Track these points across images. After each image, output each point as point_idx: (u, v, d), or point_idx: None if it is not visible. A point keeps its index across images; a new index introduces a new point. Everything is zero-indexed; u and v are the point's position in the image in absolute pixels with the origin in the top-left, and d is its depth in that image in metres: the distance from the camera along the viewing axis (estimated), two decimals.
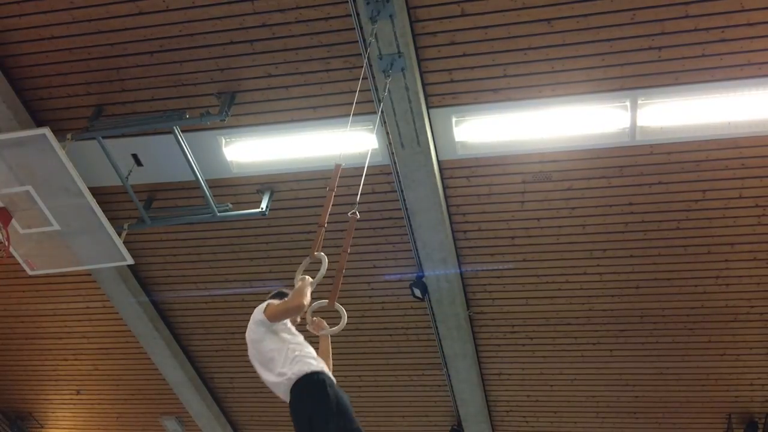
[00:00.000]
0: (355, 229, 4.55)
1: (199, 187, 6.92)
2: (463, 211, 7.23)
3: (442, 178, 6.93)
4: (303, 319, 4.27)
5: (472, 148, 6.68)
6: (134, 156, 7.05)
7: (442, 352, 8.49)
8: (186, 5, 5.96)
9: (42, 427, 10.99)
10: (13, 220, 6.54)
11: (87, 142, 6.68)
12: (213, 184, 7.10)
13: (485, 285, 7.93)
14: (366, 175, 5.04)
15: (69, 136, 6.48)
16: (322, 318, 4.39)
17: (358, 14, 5.70)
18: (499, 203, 7.11)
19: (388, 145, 6.60)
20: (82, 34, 6.28)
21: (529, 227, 7.25)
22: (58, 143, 6.13)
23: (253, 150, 6.97)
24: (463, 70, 6.11)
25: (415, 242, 7.38)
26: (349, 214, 4.45)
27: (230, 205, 7.23)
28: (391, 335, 8.62)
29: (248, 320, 4.25)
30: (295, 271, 4.18)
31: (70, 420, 10.87)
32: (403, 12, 5.66)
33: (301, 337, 4.13)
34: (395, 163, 6.74)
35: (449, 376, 8.78)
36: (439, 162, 6.77)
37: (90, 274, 8.36)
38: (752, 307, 7.62)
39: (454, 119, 6.46)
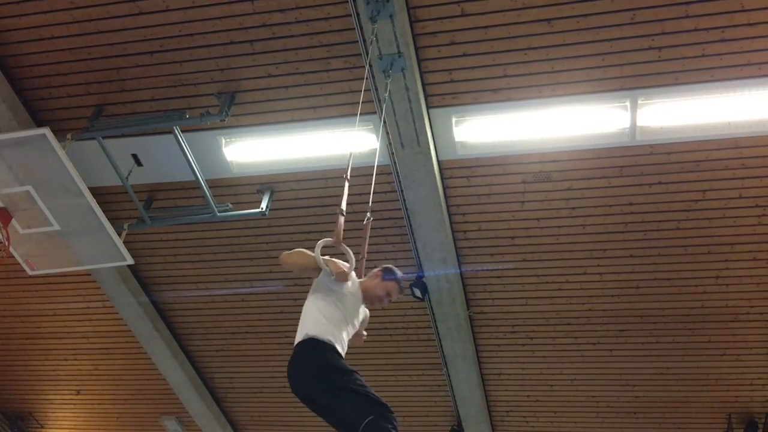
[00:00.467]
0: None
1: (199, 187, 6.92)
2: (463, 211, 7.23)
3: (442, 178, 6.93)
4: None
5: (472, 148, 6.67)
6: (134, 156, 7.05)
7: (442, 352, 8.49)
8: (186, 5, 5.96)
9: (42, 427, 10.99)
10: (13, 220, 6.54)
11: (87, 142, 6.68)
12: (213, 184, 7.10)
13: (485, 285, 7.93)
14: (366, 175, 5.05)
15: (69, 136, 6.48)
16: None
17: (358, 14, 5.69)
18: (499, 203, 7.11)
19: (388, 145, 6.60)
20: (82, 34, 6.28)
21: (529, 227, 7.25)
22: (58, 143, 6.12)
23: (253, 150, 6.97)
24: (463, 70, 6.11)
25: (415, 242, 7.38)
26: (364, 222, 4.41)
27: (230, 205, 7.23)
28: (391, 335, 8.62)
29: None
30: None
31: (70, 420, 10.87)
32: (403, 12, 5.66)
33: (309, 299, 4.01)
34: (395, 163, 6.74)
35: (449, 376, 8.78)
36: (439, 162, 6.77)
37: (90, 274, 8.36)
38: (752, 307, 7.62)
39: (454, 119, 6.46)
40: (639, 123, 6.24)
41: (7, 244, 6.52)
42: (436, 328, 8.24)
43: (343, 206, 4.14)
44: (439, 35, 5.91)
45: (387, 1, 5.50)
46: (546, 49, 5.89)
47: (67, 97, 6.78)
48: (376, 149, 6.53)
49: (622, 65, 5.92)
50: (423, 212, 7.05)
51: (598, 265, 7.48)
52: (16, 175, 6.31)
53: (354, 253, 4.06)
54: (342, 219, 4.08)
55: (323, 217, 7.38)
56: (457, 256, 7.56)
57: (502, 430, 9.65)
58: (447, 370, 8.72)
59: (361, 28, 5.74)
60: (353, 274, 4.08)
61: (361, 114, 6.26)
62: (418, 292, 7.63)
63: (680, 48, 5.74)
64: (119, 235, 6.96)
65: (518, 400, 9.24)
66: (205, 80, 6.48)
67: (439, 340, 8.35)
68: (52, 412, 10.81)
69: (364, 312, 4.24)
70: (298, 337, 3.87)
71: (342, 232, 4.03)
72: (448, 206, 7.14)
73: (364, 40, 5.75)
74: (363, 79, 5.51)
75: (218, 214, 7.12)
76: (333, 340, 3.83)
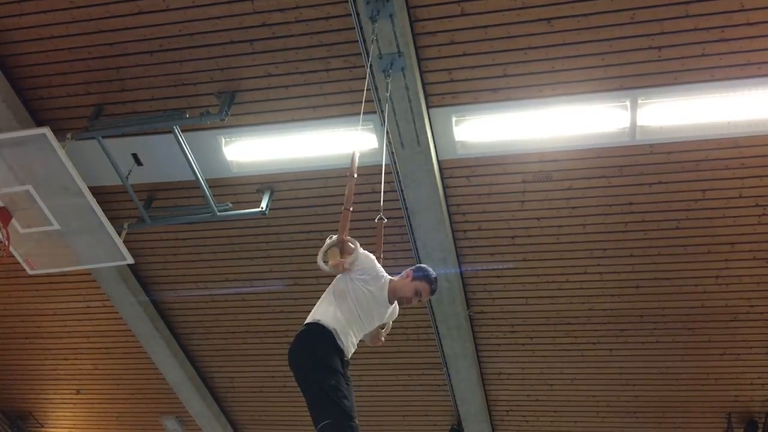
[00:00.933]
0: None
1: (199, 186, 6.92)
2: (463, 211, 7.23)
3: (442, 178, 6.93)
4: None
5: (472, 147, 6.67)
6: (134, 156, 7.05)
7: (442, 351, 8.49)
8: (186, 5, 5.96)
9: (42, 427, 10.99)
10: (13, 220, 6.54)
11: (87, 142, 6.68)
12: (213, 184, 7.10)
13: (485, 285, 7.93)
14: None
15: (69, 135, 6.48)
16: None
17: (358, 14, 5.69)
18: (499, 203, 7.11)
19: (388, 144, 6.60)
20: (82, 34, 6.28)
21: (529, 227, 7.25)
22: (58, 143, 6.12)
23: (253, 150, 6.97)
24: (463, 70, 6.11)
25: (415, 242, 7.38)
26: (376, 219, 4.40)
27: (230, 205, 7.23)
28: (391, 335, 8.58)
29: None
30: (317, 256, 4.03)
31: (70, 420, 10.87)
32: (403, 12, 5.66)
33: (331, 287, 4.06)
34: (395, 162, 6.74)
35: (449, 375, 8.78)
36: (439, 162, 6.77)
37: (90, 274, 8.36)
38: (752, 306, 7.62)
39: (454, 119, 6.46)
40: (639, 122, 6.24)
41: (7, 243, 6.52)
42: (436, 327, 8.24)
43: (349, 203, 4.10)
44: (439, 35, 5.91)
45: (387, 1, 5.49)
46: (546, 49, 5.89)
47: (66, 96, 6.78)
48: (376, 149, 6.59)
49: (622, 65, 5.92)
50: (423, 212, 7.05)
51: (598, 265, 7.48)
52: (16, 175, 6.31)
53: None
54: (349, 214, 4.06)
55: (323, 217, 7.38)
56: (457, 255, 7.56)
57: (502, 430, 9.65)
58: (447, 369, 8.72)
59: (361, 27, 5.74)
60: (383, 273, 4.05)
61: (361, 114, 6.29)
62: None
63: (680, 47, 5.74)
64: (119, 234, 6.96)
65: (518, 399, 9.24)
66: (205, 80, 6.48)
67: (439, 339, 8.35)
68: (52, 412, 10.81)
69: (389, 311, 4.19)
70: (308, 319, 3.98)
71: (346, 229, 4.02)
72: (448, 206, 7.14)
73: (364, 40, 5.75)
74: (363, 78, 5.51)
75: (218, 213, 7.12)
76: (338, 331, 3.88)
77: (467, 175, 6.91)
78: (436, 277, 4.14)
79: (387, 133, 6.46)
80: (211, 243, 7.99)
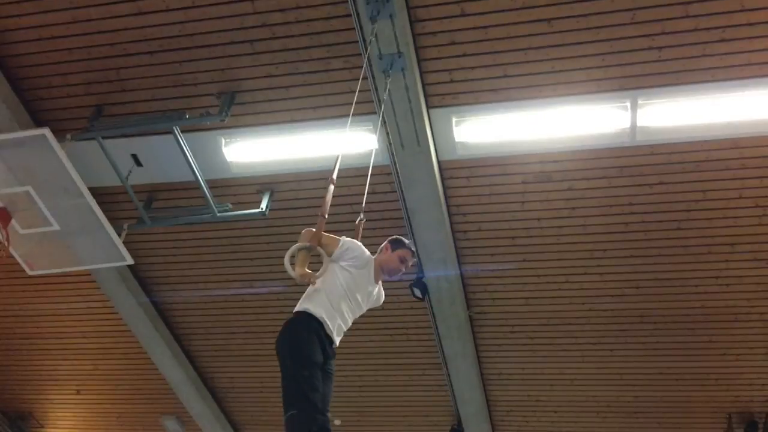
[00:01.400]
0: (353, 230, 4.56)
1: (199, 187, 6.91)
2: (463, 211, 7.23)
3: (442, 178, 6.92)
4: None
5: (472, 148, 6.67)
6: (134, 156, 7.05)
7: (442, 352, 8.49)
8: (186, 5, 5.95)
9: (42, 427, 10.99)
10: (13, 220, 6.54)
11: (87, 142, 6.68)
12: (213, 185, 7.10)
13: (485, 285, 7.92)
14: (364, 176, 5.04)
15: (69, 136, 6.48)
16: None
17: (358, 14, 5.69)
18: (499, 203, 7.11)
19: (388, 145, 6.59)
20: (82, 34, 6.28)
21: (530, 227, 7.25)
22: (58, 143, 6.12)
23: (253, 150, 6.97)
24: (463, 70, 6.11)
25: (415, 242, 7.37)
26: (356, 221, 4.51)
27: (230, 206, 7.23)
28: (391, 335, 8.62)
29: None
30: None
31: (70, 420, 10.87)
32: (403, 12, 5.65)
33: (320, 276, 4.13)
34: (395, 163, 6.74)
35: (449, 376, 8.78)
36: (439, 162, 6.76)
37: (90, 274, 8.35)
38: (752, 307, 7.62)
39: (454, 119, 6.45)
40: (639, 123, 6.23)
41: (7, 244, 6.52)
42: (436, 328, 8.24)
43: (325, 210, 4.21)
44: (439, 35, 5.90)
45: (387, 1, 5.49)
46: (546, 49, 5.88)
47: (67, 97, 6.78)
48: (375, 149, 6.57)
49: (623, 65, 5.92)
50: (423, 212, 7.04)
51: (599, 265, 7.48)
52: (16, 176, 6.30)
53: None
54: (323, 221, 4.17)
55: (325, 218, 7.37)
56: (457, 256, 7.56)
57: (503, 430, 9.65)
58: (447, 370, 8.72)
59: (361, 28, 5.74)
60: (368, 253, 4.22)
61: (361, 114, 6.29)
62: (418, 293, 7.63)
63: (680, 48, 5.74)
64: (119, 235, 6.96)
65: (518, 399, 9.24)
66: (205, 80, 6.47)
67: (439, 340, 8.35)
68: (52, 412, 10.81)
69: (376, 291, 4.35)
70: (297, 307, 4.12)
71: (321, 235, 4.12)
72: (448, 206, 7.13)
73: (364, 40, 5.74)
74: (363, 79, 5.51)
75: (218, 214, 7.12)
76: (325, 318, 4.01)
77: (467, 175, 6.90)
78: (409, 242, 4.38)
79: (387, 133, 6.46)
80: (211, 244, 7.98)
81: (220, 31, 6.10)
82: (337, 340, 4.13)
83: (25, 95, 6.78)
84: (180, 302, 8.75)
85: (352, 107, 5.08)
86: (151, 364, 9.40)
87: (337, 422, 9.96)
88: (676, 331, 7.97)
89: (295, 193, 7.29)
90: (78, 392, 10.34)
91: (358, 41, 5.87)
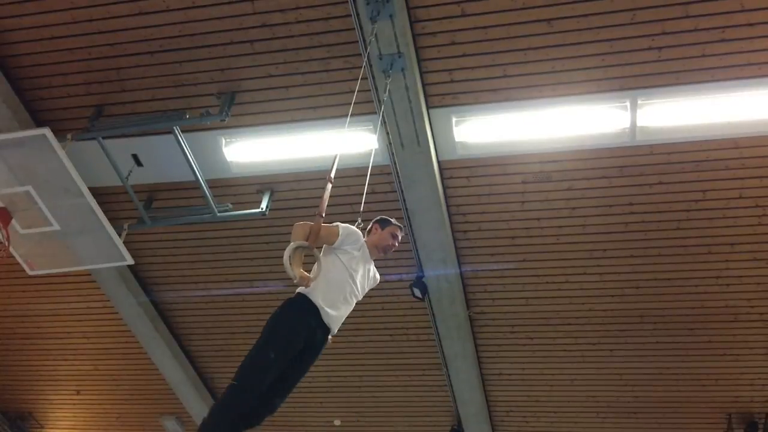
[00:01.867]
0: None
1: (199, 187, 6.92)
2: (463, 211, 7.23)
3: (442, 178, 6.93)
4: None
5: (472, 148, 6.67)
6: (134, 156, 7.05)
7: (442, 352, 8.49)
8: (186, 5, 5.96)
9: (42, 427, 10.99)
10: (13, 220, 6.54)
11: (87, 142, 6.68)
12: (213, 184, 7.10)
13: (485, 285, 7.93)
14: (364, 176, 5.04)
15: (69, 136, 6.47)
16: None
17: (358, 14, 5.69)
18: (499, 203, 7.11)
19: (388, 145, 6.60)
20: (82, 34, 6.28)
21: (530, 227, 7.25)
22: (58, 143, 6.11)
23: (253, 150, 6.97)
24: (463, 70, 6.11)
25: (415, 242, 7.38)
26: (354, 226, 4.51)
27: (230, 205, 7.23)
28: (391, 335, 8.62)
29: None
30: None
31: (70, 420, 10.87)
32: (403, 12, 5.66)
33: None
34: (395, 163, 6.74)
35: (449, 376, 8.78)
36: (439, 162, 6.77)
37: (90, 274, 8.36)
38: (752, 307, 7.62)
39: (454, 119, 6.45)
40: (639, 123, 6.24)
41: (7, 244, 6.52)
42: (436, 328, 8.24)
43: (323, 209, 4.27)
44: (439, 35, 5.91)
45: (387, 1, 5.49)
46: (546, 49, 5.89)
47: (67, 97, 6.78)
48: (375, 149, 6.58)
49: (622, 65, 5.92)
50: (423, 212, 7.05)
51: (599, 265, 7.48)
52: (16, 175, 6.30)
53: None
54: (320, 221, 4.24)
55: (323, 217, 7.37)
56: (457, 256, 7.56)
57: (503, 430, 9.66)
58: (447, 370, 8.72)
59: (361, 28, 5.74)
60: (362, 236, 4.40)
61: (361, 114, 6.29)
62: (418, 292, 7.63)
63: (680, 48, 5.74)
64: (119, 235, 6.95)
65: (518, 400, 9.24)
66: (205, 80, 6.48)
67: (439, 340, 8.35)
68: (52, 412, 10.81)
69: (372, 271, 4.50)
70: (298, 289, 4.18)
71: (319, 229, 4.21)
72: (448, 206, 7.14)
73: (364, 40, 5.74)
74: (363, 79, 5.51)
75: (218, 214, 7.12)
76: (323, 305, 4.08)
77: (467, 175, 6.91)
78: (395, 219, 4.64)
79: (387, 133, 6.47)
80: (212, 243, 7.98)
81: (220, 31, 6.10)
82: (335, 328, 4.18)
83: (25, 95, 6.79)
84: (180, 302, 8.76)
85: (351, 107, 5.09)
86: (151, 364, 9.41)
87: (337, 422, 9.97)
88: (675, 331, 7.97)
89: (295, 192, 7.29)
90: (78, 392, 10.34)
91: (358, 41, 5.87)
